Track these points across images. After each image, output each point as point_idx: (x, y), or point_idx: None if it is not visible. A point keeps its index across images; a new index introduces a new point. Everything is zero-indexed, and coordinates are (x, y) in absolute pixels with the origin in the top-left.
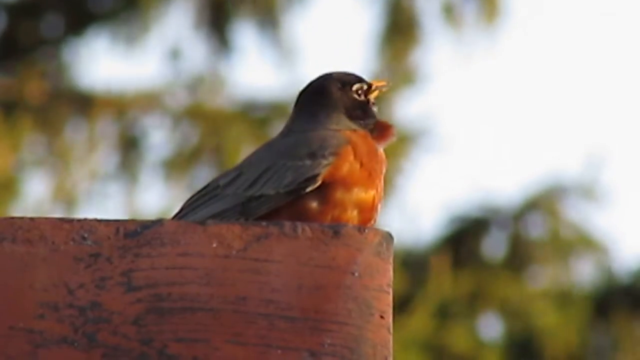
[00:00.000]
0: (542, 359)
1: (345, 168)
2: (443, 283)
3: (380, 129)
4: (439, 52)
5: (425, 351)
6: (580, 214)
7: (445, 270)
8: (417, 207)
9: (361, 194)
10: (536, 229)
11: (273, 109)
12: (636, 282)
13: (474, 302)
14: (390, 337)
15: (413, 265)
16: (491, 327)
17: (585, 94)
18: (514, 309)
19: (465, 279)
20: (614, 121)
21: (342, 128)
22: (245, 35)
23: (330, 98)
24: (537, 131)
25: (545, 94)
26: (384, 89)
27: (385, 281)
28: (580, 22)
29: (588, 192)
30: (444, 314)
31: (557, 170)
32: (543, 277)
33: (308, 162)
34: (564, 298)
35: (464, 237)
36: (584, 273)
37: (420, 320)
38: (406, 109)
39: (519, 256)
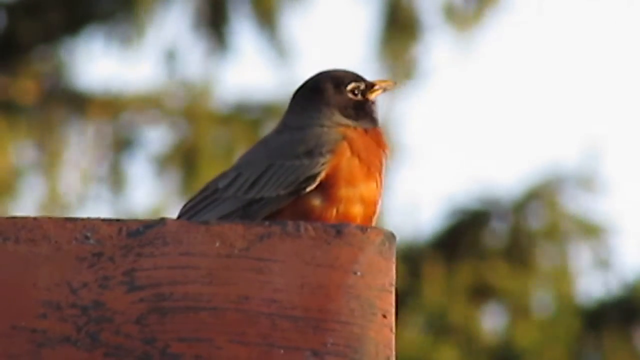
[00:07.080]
0: None
1: (344, 164)
2: (436, 288)
3: (375, 137)
4: (438, 48)
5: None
6: (580, 205)
7: (437, 275)
8: (417, 200)
9: (363, 189)
10: (536, 220)
11: (266, 110)
12: (630, 295)
13: (475, 295)
14: (393, 337)
15: (413, 260)
16: (492, 320)
17: (581, 86)
18: (514, 302)
19: (466, 272)
20: (610, 111)
21: (335, 124)
22: (243, 36)
23: (323, 96)
24: (534, 122)
25: (543, 86)
26: (388, 89)
27: (388, 280)
28: (577, 13)
29: (587, 182)
30: (437, 319)
31: (555, 162)
32: (543, 267)
33: (306, 161)
34: (553, 318)
35: (464, 229)
36: (582, 262)
37: (411, 333)
38: (406, 103)
39: (519, 248)
